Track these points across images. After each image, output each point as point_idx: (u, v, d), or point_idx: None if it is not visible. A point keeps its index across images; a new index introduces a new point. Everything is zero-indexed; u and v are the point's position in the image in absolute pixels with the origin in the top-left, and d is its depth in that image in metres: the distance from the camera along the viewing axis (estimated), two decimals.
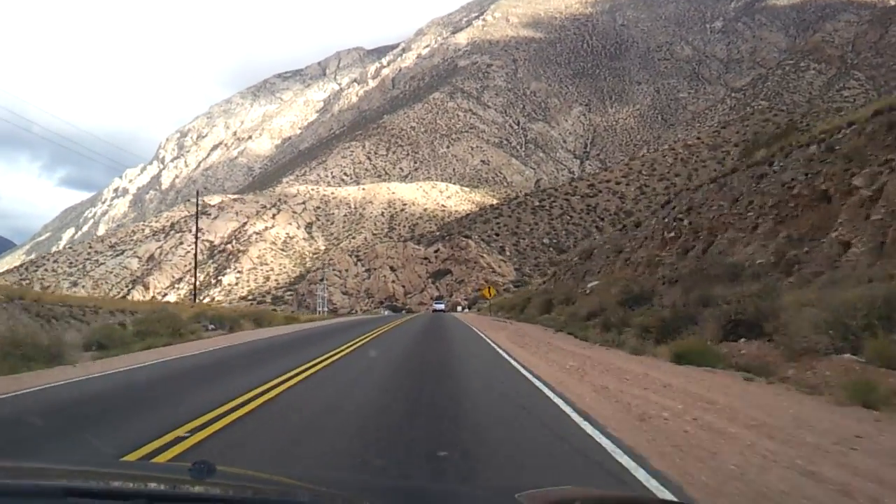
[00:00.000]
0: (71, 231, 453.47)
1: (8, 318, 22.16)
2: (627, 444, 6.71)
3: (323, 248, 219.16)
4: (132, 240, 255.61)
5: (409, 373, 14.38)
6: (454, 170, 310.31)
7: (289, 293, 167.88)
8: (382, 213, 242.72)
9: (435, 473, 5.72)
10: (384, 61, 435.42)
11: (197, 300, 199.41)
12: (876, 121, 19.22)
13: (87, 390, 11.72)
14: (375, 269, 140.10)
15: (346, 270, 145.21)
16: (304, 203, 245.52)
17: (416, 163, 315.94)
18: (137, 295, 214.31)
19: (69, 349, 16.98)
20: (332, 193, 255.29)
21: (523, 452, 6.54)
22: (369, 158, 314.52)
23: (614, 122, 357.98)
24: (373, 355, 17.86)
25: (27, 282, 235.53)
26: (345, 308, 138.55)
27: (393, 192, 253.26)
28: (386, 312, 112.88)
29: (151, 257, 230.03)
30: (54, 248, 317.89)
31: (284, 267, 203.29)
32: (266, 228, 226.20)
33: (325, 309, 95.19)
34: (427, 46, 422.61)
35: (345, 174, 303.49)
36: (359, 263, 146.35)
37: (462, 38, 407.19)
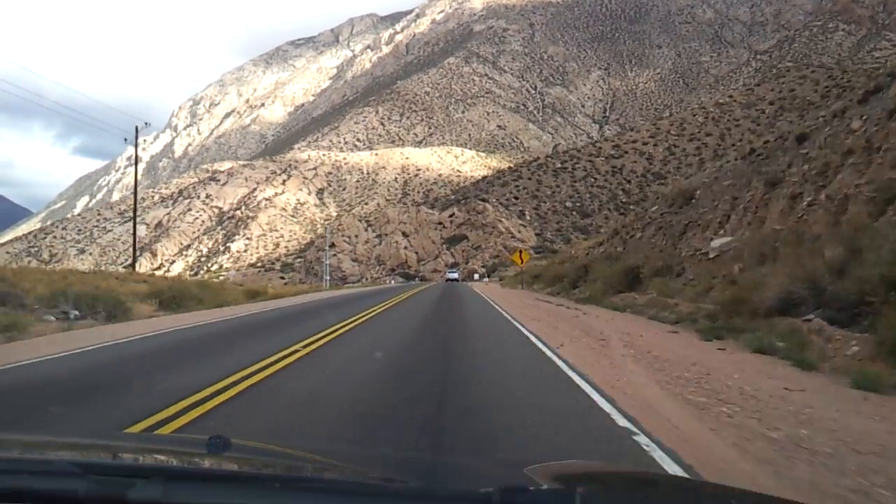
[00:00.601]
0: (85, 199, 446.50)
1: None
2: None
3: (335, 214, 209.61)
4: (141, 207, 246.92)
5: None
6: (470, 135, 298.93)
7: (298, 260, 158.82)
8: (396, 178, 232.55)
9: None
10: (398, 27, 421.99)
11: (204, 269, 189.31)
12: None
13: None
14: (387, 234, 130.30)
15: (356, 236, 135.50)
16: (315, 169, 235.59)
17: (430, 128, 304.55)
18: (145, 262, 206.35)
19: None
20: (345, 159, 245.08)
21: None
22: (383, 124, 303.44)
23: (634, 87, 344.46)
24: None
25: (35, 249, 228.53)
26: (354, 276, 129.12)
27: (406, 158, 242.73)
28: (392, 282, 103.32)
29: (159, 224, 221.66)
30: (68, 216, 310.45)
31: (294, 233, 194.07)
32: (276, 194, 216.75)
33: (328, 278, 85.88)
34: (441, 12, 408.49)
35: (358, 140, 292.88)
36: (369, 229, 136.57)
37: (477, 3, 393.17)
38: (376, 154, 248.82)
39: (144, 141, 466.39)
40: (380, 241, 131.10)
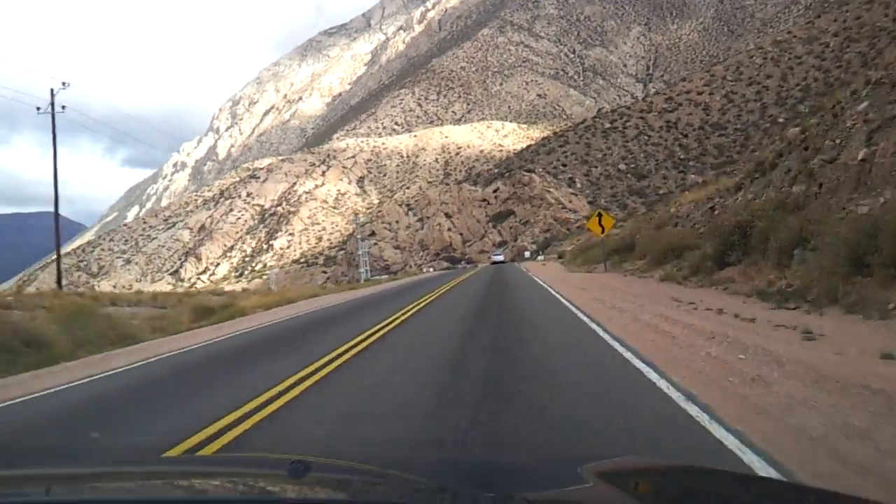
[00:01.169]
0: (136, 209, 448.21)
1: None
2: None
3: (377, 201, 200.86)
4: (185, 211, 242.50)
5: None
6: (510, 107, 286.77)
7: (342, 252, 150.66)
8: (436, 159, 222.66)
9: None
10: (428, 4, 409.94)
11: (249, 270, 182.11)
12: None
13: None
14: (429, 217, 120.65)
15: (397, 222, 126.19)
16: (353, 157, 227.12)
17: (468, 104, 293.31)
18: (190, 268, 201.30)
19: None
20: (383, 144, 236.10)
21: None
22: (420, 105, 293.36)
23: (677, 39, 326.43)
24: None
25: (84, 263, 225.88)
26: (398, 264, 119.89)
27: (446, 137, 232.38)
28: (431, 270, 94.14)
29: (202, 227, 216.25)
30: (115, 227, 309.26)
31: (337, 225, 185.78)
32: (316, 187, 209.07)
33: (365, 271, 76.90)
34: None
35: (396, 124, 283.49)
36: (410, 213, 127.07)
37: None
38: (415, 136, 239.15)
39: (188, 146, 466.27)
40: (422, 225, 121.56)
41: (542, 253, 74.84)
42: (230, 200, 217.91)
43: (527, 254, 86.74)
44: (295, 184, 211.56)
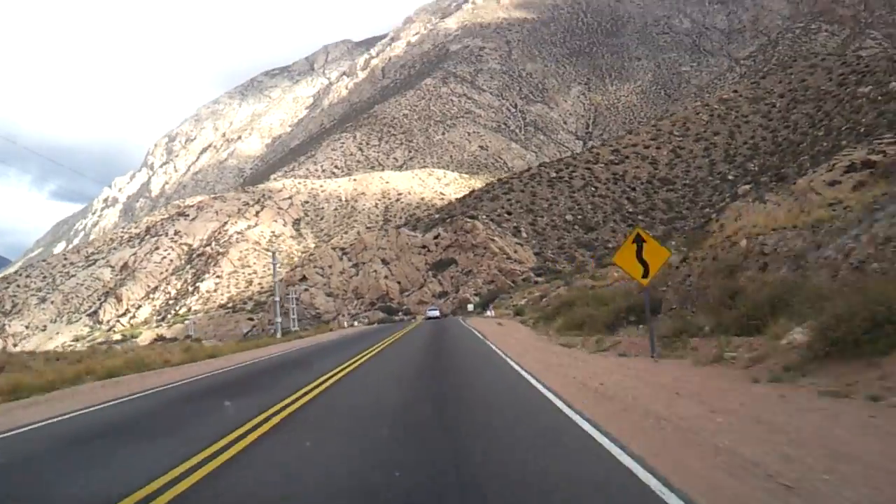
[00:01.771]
0: (62, 245, 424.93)
1: None
2: None
3: (313, 245, 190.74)
4: (109, 248, 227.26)
5: None
6: (451, 157, 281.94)
7: (271, 297, 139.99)
8: (376, 204, 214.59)
9: None
10: (373, 52, 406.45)
11: (172, 312, 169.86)
12: None
13: None
14: (364, 263, 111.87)
15: (330, 267, 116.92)
16: (290, 198, 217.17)
17: (410, 152, 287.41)
18: (110, 309, 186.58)
19: None
20: (321, 187, 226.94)
21: None
22: (361, 150, 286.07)
23: (616, 100, 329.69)
24: None
25: None
26: (330, 313, 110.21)
27: (387, 182, 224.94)
28: (356, 324, 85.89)
29: (125, 266, 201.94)
30: (33, 263, 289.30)
31: (269, 269, 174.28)
32: (249, 227, 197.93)
33: (280, 322, 67.40)
34: (416, 34, 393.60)
35: (335, 167, 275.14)
36: (345, 258, 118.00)
37: (452, 23, 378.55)
38: (354, 180, 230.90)
39: (120, 181, 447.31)
40: (357, 272, 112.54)
41: (489, 308, 65.47)
42: (156, 238, 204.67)
43: (469, 307, 78.62)
44: (226, 223, 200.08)
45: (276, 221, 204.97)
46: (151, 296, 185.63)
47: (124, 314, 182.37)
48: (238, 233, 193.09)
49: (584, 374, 12.61)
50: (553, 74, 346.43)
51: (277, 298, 62.81)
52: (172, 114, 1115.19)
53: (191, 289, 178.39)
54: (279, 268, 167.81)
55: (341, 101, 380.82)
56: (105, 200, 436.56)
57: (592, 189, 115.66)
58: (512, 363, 15.09)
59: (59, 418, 12.08)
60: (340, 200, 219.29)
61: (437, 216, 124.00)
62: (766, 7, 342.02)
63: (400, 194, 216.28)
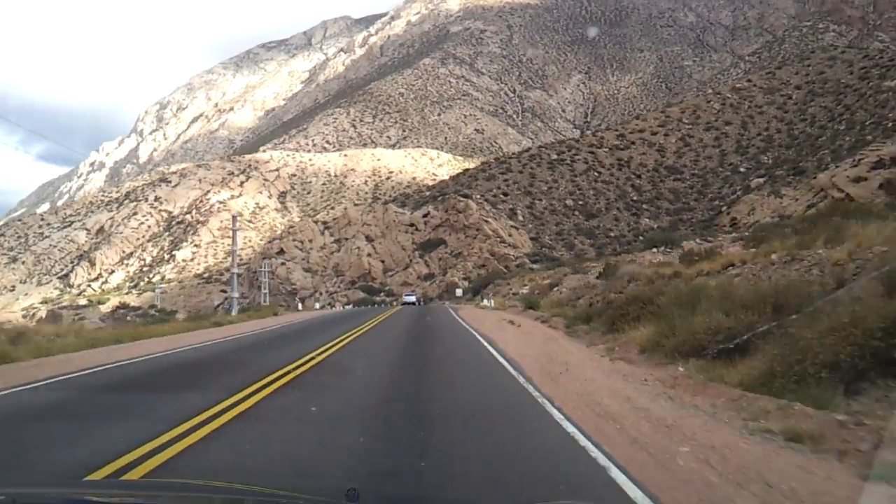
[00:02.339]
0: (46, 207, 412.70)
1: None
2: None
3: (298, 219, 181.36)
4: (87, 211, 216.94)
5: None
6: (446, 138, 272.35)
7: (246, 269, 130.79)
8: (366, 181, 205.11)
9: None
10: (372, 29, 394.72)
11: (146, 279, 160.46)
12: None
13: None
14: (347, 238, 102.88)
15: (311, 241, 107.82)
16: (277, 170, 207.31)
17: (404, 131, 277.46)
18: (82, 273, 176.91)
19: None
20: (310, 160, 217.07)
21: None
22: (354, 126, 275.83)
23: (616, 91, 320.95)
24: None
25: None
26: (307, 289, 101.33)
27: (378, 160, 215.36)
28: (330, 308, 77.54)
29: (101, 229, 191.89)
30: (7, 222, 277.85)
31: (250, 241, 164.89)
32: (232, 197, 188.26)
33: (265, 296, 58.45)
34: (417, 13, 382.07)
35: (327, 142, 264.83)
36: (327, 232, 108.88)
37: (454, 4, 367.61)
38: (345, 155, 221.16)
39: (108, 146, 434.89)
40: (339, 247, 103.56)
41: (485, 296, 53.81)
42: (135, 203, 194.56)
43: (458, 291, 69.81)
44: (208, 192, 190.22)
45: (260, 193, 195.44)
46: (126, 262, 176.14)
47: (96, 279, 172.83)
48: (220, 202, 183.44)
49: None
50: (553, 61, 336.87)
51: (236, 270, 53.93)
52: (165, 81, 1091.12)
53: (167, 257, 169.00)
54: (262, 241, 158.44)
55: (337, 77, 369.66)
56: (92, 164, 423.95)
57: (595, 174, 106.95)
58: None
59: None
60: (329, 176, 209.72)
61: (427, 193, 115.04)
62: (772, 5, 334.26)
63: (391, 173, 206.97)
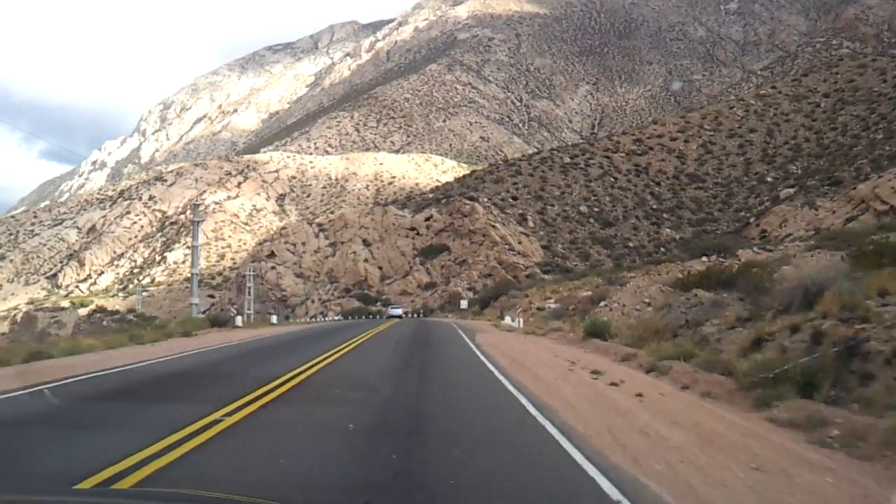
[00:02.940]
0: (46, 205, 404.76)
1: None
2: None
3: (296, 223, 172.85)
4: (80, 209, 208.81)
5: None
6: (451, 145, 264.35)
7: (235, 273, 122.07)
8: (367, 186, 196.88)
9: None
10: (379, 35, 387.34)
11: (135, 281, 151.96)
12: None
13: None
14: (343, 242, 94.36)
15: (304, 244, 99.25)
16: (276, 171, 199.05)
17: (409, 136, 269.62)
18: (71, 273, 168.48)
19: None
20: (311, 162, 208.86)
21: None
22: (357, 130, 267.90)
23: (624, 103, 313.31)
24: None
25: None
26: (298, 297, 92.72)
27: (380, 164, 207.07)
28: (320, 322, 69.35)
29: (93, 228, 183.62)
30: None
31: (245, 243, 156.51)
32: (228, 198, 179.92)
33: (247, 304, 49.57)
34: (425, 20, 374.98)
35: (329, 146, 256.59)
36: (321, 234, 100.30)
37: (462, 11, 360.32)
38: (346, 158, 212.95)
39: (110, 145, 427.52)
40: (333, 252, 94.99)
41: (505, 311, 39.50)
42: (129, 202, 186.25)
43: (463, 303, 61.10)
44: (204, 192, 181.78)
45: (258, 195, 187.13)
46: (116, 262, 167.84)
47: (85, 280, 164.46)
48: (216, 203, 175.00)
49: None
50: (561, 71, 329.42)
51: (195, 270, 45.29)
52: (170, 81, 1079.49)
53: (158, 258, 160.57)
54: (253, 242, 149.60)
55: (342, 81, 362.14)
56: (93, 163, 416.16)
57: (611, 179, 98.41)
58: None
59: None
60: (330, 179, 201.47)
61: (430, 196, 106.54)
62: (783, 21, 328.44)
63: (394, 178, 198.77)
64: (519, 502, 5.17)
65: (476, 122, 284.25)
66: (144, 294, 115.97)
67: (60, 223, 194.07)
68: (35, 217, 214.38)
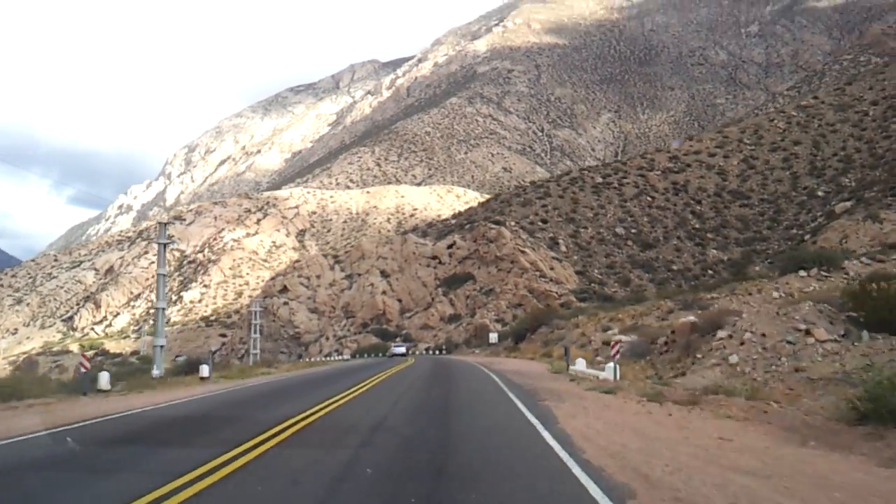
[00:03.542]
0: (65, 248, 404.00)
1: None
2: None
3: (310, 255, 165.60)
4: (98, 251, 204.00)
5: None
6: (473, 177, 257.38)
7: (249, 311, 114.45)
8: (388, 219, 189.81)
9: None
10: (399, 72, 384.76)
11: (151, 322, 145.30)
12: None
13: None
14: (360, 274, 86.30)
15: (318, 277, 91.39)
16: (296, 207, 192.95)
17: (430, 169, 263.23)
18: (87, 315, 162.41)
19: None
20: (331, 197, 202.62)
21: None
22: (379, 164, 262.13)
23: (647, 129, 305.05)
24: None
25: None
26: (311, 334, 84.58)
27: (402, 196, 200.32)
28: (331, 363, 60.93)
29: (110, 269, 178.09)
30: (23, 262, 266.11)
31: (262, 280, 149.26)
32: (248, 235, 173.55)
33: (255, 345, 42.13)
34: (444, 55, 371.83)
35: (350, 181, 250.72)
36: (337, 267, 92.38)
37: (481, 45, 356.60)
38: (367, 192, 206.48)
39: (136, 189, 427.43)
40: (350, 284, 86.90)
41: (518, 343, 31.43)
42: (146, 242, 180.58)
43: (493, 336, 52.57)
44: (223, 230, 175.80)
45: (278, 231, 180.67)
46: (133, 303, 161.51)
47: (101, 321, 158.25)
48: (234, 240, 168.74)
49: None
50: (582, 100, 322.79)
51: (162, 305, 37.38)
52: (194, 125, 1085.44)
53: (174, 298, 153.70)
54: (266, 277, 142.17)
55: (364, 118, 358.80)
56: (120, 207, 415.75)
57: (648, 199, 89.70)
58: None
59: None
60: (351, 213, 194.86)
61: (453, 222, 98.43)
62: (806, 42, 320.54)
63: (415, 210, 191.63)
64: None
65: (498, 153, 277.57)
66: (147, 336, 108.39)
67: (78, 265, 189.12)
68: (55, 260, 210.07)
